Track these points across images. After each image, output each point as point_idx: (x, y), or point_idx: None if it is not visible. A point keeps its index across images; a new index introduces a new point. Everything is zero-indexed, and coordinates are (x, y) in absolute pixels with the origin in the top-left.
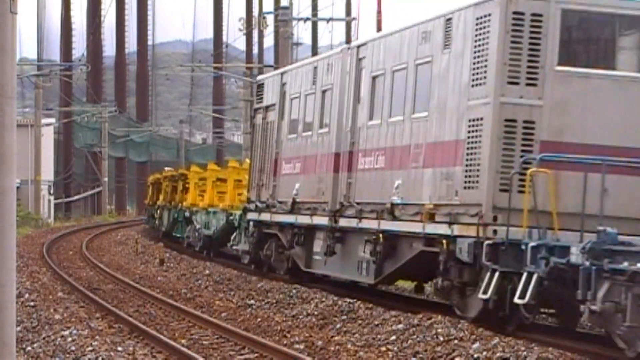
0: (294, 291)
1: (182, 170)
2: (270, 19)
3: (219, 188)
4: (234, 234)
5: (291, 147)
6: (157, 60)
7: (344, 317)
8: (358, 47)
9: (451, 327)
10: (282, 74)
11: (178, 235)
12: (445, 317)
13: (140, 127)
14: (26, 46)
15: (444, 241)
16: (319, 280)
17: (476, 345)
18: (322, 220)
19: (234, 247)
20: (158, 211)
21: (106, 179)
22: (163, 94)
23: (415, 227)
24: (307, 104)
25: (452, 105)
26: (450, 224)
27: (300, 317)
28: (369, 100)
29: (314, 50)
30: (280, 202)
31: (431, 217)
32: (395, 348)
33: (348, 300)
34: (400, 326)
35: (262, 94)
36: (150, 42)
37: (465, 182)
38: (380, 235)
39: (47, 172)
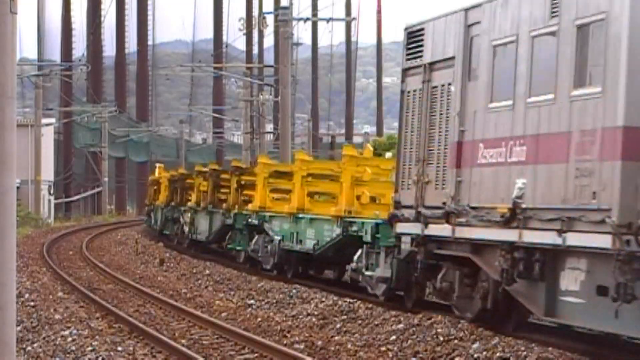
0: (294, 291)
1: (236, 162)
2: (270, 19)
3: (314, 186)
4: (359, 253)
5: (497, 123)
6: (157, 60)
7: (344, 317)
8: None
9: (451, 327)
10: (466, 10)
11: (239, 248)
12: (445, 317)
13: (140, 127)
14: (26, 46)
15: None
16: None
17: (476, 345)
18: (590, 240)
19: (367, 273)
20: (188, 215)
21: (106, 179)
22: (163, 94)
23: None
24: (535, 52)
25: None
26: None
27: (300, 317)
28: None
29: (314, 50)
30: (475, 208)
31: None
32: (395, 348)
33: (348, 300)
34: (400, 326)
35: (419, 46)
36: (150, 42)
37: None
38: None
39: (47, 172)
